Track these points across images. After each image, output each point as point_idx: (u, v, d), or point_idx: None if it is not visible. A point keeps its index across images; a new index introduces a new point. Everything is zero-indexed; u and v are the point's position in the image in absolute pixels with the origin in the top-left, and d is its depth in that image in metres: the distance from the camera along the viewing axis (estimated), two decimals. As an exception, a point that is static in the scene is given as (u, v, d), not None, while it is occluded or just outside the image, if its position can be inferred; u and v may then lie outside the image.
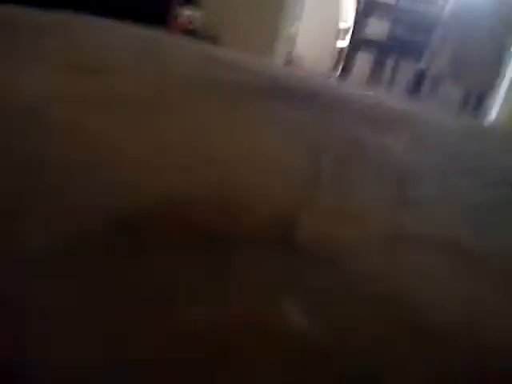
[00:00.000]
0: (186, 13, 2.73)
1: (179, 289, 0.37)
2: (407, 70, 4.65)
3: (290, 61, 3.54)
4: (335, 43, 4.75)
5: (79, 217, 0.43)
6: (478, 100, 4.28)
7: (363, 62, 4.68)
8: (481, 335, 0.44)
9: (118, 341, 0.34)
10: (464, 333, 0.44)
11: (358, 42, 4.42)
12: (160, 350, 0.33)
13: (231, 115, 0.71)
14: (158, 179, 0.51)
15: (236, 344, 0.35)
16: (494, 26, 4.05)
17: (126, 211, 0.45)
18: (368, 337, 0.40)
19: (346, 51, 4.43)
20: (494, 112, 3.59)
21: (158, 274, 0.38)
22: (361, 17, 4.36)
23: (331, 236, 0.51)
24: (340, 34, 4.73)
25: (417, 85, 4.46)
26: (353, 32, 4.36)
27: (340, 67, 4.48)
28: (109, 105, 0.64)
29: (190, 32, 2.75)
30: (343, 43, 4.58)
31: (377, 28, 4.49)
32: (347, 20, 4.52)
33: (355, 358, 0.38)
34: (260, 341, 0.36)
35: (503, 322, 0.47)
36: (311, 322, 0.39)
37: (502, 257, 0.53)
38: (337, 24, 4.75)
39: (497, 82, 3.74)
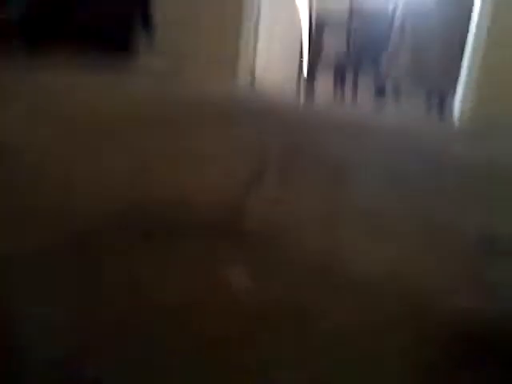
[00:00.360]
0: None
1: (129, 277, 0.45)
2: (370, 80, 4.75)
3: (252, 84, 3.64)
4: (298, 66, 4.84)
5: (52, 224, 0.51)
6: (440, 100, 4.37)
7: (326, 79, 4.80)
8: (400, 282, 0.52)
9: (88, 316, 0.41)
10: (385, 281, 0.51)
11: (316, 61, 4.51)
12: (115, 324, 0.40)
13: (183, 138, 0.79)
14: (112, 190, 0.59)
15: (175, 323, 0.42)
16: (448, 23, 4.11)
17: (91, 220, 0.53)
18: (301, 293, 0.48)
19: (305, 72, 4.52)
20: (455, 111, 3.67)
21: (114, 267, 0.46)
22: (315, 35, 4.45)
23: (275, 220, 0.59)
24: (302, 54, 4.82)
25: (380, 91, 4.56)
26: (309, 52, 4.45)
27: (303, 88, 4.57)
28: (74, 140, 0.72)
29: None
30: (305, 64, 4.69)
31: (333, 46, 4.59)
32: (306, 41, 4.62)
33: (288, 310, 0.45)
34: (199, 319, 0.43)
35: (418, 269, 0.55)
36: (254, 286, 0.47)
37: (415, 219, 0.62)
38: (298, 45, 4.84)
39: (457, 81, 3.78)
